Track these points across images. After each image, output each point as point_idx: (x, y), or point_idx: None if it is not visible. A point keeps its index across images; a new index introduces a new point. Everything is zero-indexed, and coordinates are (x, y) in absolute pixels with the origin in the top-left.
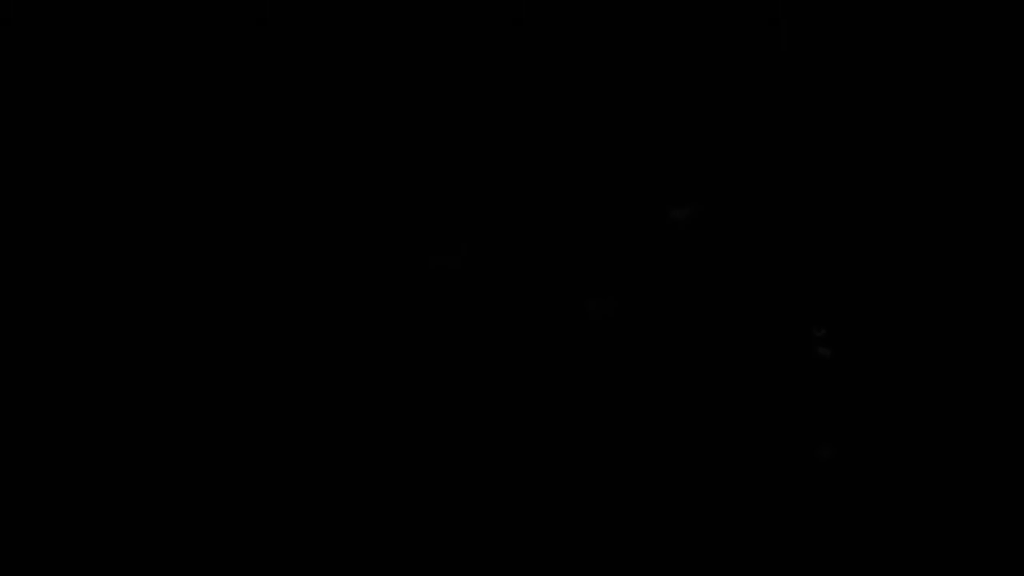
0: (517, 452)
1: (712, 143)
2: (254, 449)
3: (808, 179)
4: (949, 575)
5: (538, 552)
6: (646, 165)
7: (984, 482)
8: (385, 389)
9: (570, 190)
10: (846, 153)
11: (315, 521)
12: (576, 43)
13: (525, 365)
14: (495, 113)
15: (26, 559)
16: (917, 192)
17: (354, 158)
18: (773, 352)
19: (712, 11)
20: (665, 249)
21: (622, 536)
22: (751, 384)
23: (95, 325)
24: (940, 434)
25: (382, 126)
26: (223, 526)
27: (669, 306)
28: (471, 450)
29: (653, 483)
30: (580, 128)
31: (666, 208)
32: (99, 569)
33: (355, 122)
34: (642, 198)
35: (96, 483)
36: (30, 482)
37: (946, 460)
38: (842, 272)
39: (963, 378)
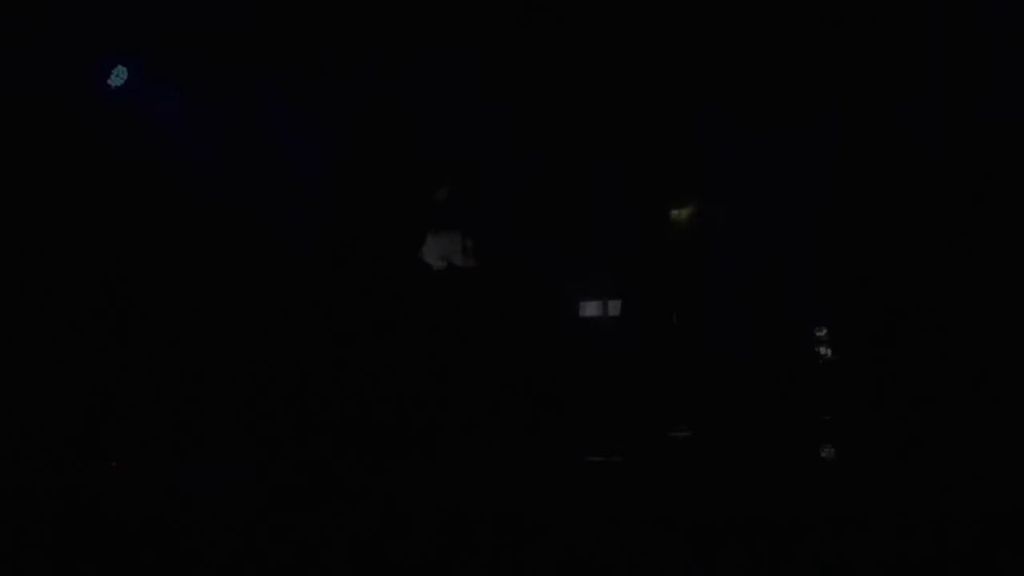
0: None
1: (713, 145)
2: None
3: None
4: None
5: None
6: (647, 166)
7: (984, 481)
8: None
9: (571, 192)
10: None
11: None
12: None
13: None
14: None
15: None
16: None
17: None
18: (776, 351)
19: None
20: (666, 248)
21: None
22: (754, 383)
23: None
24: (938, 433)
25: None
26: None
27: (671, 304)
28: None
29: (654, 481)
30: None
31: (666, 208)
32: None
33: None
34: (643, 199)
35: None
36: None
37: (945, 459)
38: (843, 273)
39: (961, 378)
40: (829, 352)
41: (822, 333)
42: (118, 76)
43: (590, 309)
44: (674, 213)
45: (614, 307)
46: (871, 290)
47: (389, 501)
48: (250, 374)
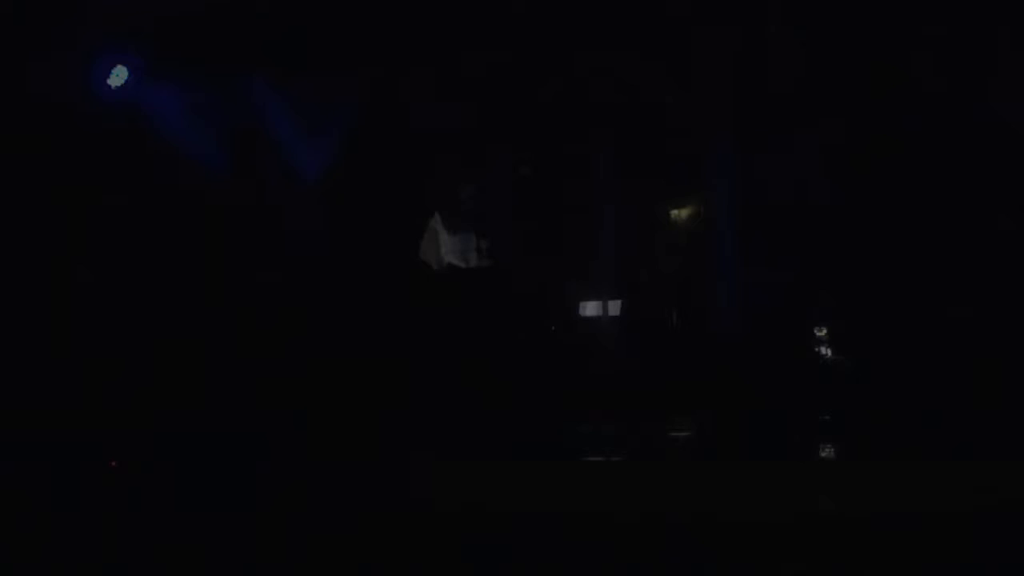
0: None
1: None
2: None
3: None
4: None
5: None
6: (647, 167)
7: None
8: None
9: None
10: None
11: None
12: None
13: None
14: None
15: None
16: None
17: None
18: (777, 351)
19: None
20: (666, 248)
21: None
22: (754, 382)
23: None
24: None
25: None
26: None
27: (671, 304)
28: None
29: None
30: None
31: (667, 209)
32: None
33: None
34: (643, 200)
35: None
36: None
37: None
38: (844, 275)
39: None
40: (829, 352)
41: (822, 333)
42: (118, 76)
43: (590, 309)
44: (674, 213)
45: (614, 307)
46: (870, 290)
47: (388, 499)
48: (250, 373)
